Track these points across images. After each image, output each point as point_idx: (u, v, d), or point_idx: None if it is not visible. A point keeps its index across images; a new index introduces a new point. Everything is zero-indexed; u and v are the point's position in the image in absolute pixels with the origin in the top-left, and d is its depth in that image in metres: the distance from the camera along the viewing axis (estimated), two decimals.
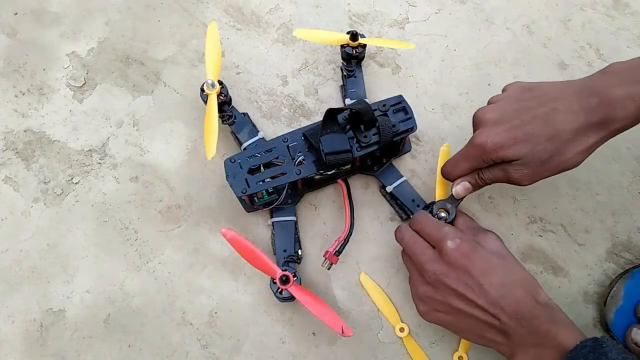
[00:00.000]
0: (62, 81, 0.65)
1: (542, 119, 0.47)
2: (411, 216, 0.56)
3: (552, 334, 0.42)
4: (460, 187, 0.52)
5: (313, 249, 0.57)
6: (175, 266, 0.57)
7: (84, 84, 0.65)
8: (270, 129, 0.62)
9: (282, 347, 0.54)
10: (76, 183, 0.61)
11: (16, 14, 0.69)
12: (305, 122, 0.63)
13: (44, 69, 0.66)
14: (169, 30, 0.68)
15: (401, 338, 0.54)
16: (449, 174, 0.54)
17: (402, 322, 0.54)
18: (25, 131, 0.63)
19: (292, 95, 0.65)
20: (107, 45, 0.67)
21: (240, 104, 0.64)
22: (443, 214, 0.53)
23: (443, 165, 0.54)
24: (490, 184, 0.52)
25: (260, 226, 0.58)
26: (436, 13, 0.69)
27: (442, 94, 0.64)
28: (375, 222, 0.58)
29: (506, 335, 0.44)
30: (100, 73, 0.66)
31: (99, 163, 0.61)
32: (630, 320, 0.52)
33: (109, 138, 0.63)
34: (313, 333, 0.54)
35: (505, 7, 0.69)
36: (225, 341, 0.54)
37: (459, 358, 0.53)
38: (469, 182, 0.52)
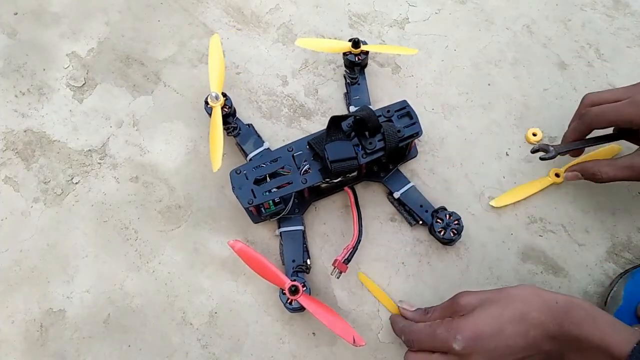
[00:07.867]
0: (62, 81, 0.65)
1: None
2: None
3: (603, 346, 0.41)
4: (570, 174, 0.56)
5: (313, 249, 0.57)
6: (175, 266, 0.57)
7: (84, 84, 0.65)
8: (271, 129, 0.62)
9: (282, 347, 0.54)
10: (76, 183, 0.61)
11: (16, 14, 0.69)
12: (305, 122, 0.63)
13: (44, 69, 0.66)
14: (169, 30, 0.68)
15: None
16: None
17: None
18: (25, 131, 0.63)
19: (292, 95, 0.64)
20: (107, 45, 0.67)
21: (240, 104, 0.64)
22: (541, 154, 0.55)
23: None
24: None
25: (260, 228, 0.58)
26: (436, 13, 0.69)
27: (442, 94, 0.64)
28: (375, 222, 0.58)
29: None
30: (100, 73, 0.66)
31: (99, 163, 0.61)
32: (631, 320, 0.52)
33: (109, 138, 0.63)
34: (313, 333, 0.54)
35: (505, 7, 0.69)
36: (225, 341, 0.54)
37: None
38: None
